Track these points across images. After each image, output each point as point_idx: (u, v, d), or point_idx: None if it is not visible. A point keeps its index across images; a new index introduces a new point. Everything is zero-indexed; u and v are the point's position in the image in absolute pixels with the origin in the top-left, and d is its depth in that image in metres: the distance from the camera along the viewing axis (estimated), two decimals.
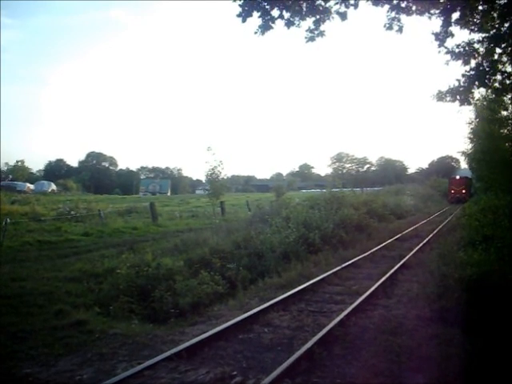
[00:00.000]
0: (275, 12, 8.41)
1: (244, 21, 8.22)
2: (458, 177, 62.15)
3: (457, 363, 6.11)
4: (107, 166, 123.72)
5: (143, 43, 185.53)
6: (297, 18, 8.55)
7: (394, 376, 5.87)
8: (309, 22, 8.67)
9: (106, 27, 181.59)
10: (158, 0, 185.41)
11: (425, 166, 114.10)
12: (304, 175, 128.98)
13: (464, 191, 57.95)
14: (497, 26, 9.64)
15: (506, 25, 9.55)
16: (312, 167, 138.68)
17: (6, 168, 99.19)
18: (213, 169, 28.36)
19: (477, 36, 9.92)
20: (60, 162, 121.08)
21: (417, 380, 5.71)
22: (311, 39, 8.76)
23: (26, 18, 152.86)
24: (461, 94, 10.44)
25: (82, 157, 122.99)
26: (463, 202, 48.06)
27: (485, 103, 23.10)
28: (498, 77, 10.18)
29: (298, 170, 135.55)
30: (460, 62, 9.96)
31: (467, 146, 33.29)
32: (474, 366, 5.91)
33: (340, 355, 6.75)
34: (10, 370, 6.23)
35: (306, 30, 8.73)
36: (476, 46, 9.96)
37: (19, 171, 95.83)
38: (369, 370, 6.11)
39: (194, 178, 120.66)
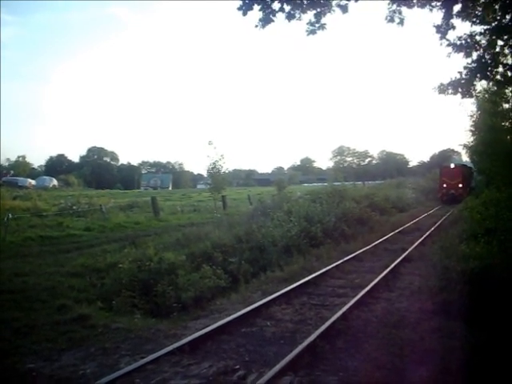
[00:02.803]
0: (276, 5, 8.36)
1: (245, 14, 8.18)
2: (452, 165, 45.40)
3: (459, 356, 6.11)
4: (108, 160, 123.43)
5: (144, 39, 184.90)
6: (297, 11, 8.49)
7: (396, 369, 5.87)
8: (310, 14, 8.62)
9: (107, 24, 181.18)
10: None
11: (426, 159, 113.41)
12: (305, 169, 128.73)
13: (461, 185, 41.68)
14: (498, 17, 9.58)
15: (508, 17, 9.50)
16: (313, 161, 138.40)
17: (7, 164, 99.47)
18: (214, 163, 28.40)
19: (478, 28, 9.89)
20: (61, 157, 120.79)
21: (420, 373, 5.71)
22: (312, 32, 8.71)
23: (27, 15, 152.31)
24: (462, 86, 10.39)
25: (84, 152, 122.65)
26: (460, 201, 35.51)
27: (486, 96, 23.05)
28: (500, 69, 10.16)
29: (299, 163, 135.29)
30: (462, 54, 9.93)
31: (469, 138, 33.08)
32: (477, 359, 5.91)
33: (343, 348, 6.76)
34: (14, 365, 6.25)
35: (307, 23, 8.67)
36: (478, 38, 9.92)
37: (21, 167, 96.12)
38: (371, 363, 6.12)
39: (196, 173, 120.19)
